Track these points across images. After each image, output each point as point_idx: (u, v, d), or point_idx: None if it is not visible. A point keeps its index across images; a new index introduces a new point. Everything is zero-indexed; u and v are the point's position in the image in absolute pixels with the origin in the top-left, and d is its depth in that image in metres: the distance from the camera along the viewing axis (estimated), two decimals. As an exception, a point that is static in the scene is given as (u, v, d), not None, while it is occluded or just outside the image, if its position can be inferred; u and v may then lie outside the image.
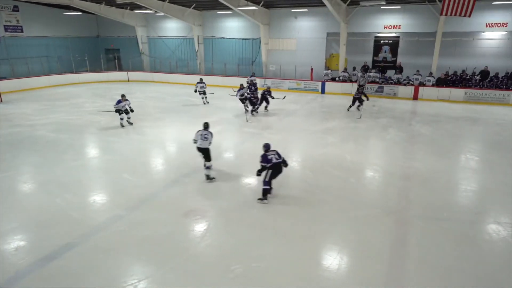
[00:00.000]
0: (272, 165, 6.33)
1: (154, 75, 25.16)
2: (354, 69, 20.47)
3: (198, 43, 24.91)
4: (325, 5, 17.65)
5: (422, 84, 18.27)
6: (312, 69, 21.05)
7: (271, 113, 14.11)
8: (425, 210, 6.34)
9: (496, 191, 7.23)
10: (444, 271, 4.63)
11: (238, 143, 10.42)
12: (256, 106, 13.95)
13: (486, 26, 17.78)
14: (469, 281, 4.46)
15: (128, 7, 23.92)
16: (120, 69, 26.24)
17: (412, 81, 18.63)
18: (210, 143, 7.41)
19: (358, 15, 20.20)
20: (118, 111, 11.58)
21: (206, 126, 7.54)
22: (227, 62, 23.85)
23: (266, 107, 14.49)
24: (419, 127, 12.37)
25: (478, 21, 17.61)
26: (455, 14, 15.03)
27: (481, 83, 17.69)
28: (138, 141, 10.34)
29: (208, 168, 7.45)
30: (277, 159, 6.42)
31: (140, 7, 22.60)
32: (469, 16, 15.00)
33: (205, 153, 7.38)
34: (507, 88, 16.99)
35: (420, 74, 18.56)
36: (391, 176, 7.90)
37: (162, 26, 26.27)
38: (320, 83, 20.27)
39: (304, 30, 22.05)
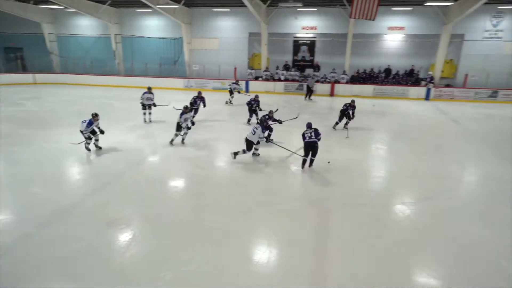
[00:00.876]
0: (305, 142, 7.89)
1: (68, 76, 23.08)
2: (277, 68, 21.25)
3: (115, 42, 23.51)
4: (246, 6, 18.00)
5: (337, 81, 19.70)
6: (235, 69, 21.33)
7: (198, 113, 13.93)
8: (344, 198, 6.87)
9: (400, 175, 8.14)
10: (362, 250, 5.08)
11: (163, 145, 10.11)
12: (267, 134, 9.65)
13: (388, 29, 19.91)
14: (382, 257, 4.95)
15: (32, 1, 21.55)
16: (25, 70, 23.55)
17: (329, 79, 19.99)
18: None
19: (278, 16, 21.02)
20: (89, 136, 8.88)
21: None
22: (148, 62, 22.94)
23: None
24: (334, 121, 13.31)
25: (381, 24, 19.64)
26: (362, 17, 16.49)
27: (385, 80, 19.73)
28: (49, 150, 9.39)
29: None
30: (309, 137, 7.82)
31: (46, 2, 20.56)
32: (374, 20, 16.57)
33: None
34: (406, 84, 19.23)
35: (335, 72, 20.02)
36: (313, 169, 8.38)
37: (74, 23, 24.26)
38: (244, 82, 20.63)
39: (226, 30, 22.24)
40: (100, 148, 9.22)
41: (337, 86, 19.58)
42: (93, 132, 8.96)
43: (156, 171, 8.09)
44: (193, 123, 9.85)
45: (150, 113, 12.53)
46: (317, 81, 19.77)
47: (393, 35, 20.29)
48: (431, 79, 18.88)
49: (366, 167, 8.71)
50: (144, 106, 12.38)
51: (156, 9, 19.45)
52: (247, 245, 5.23)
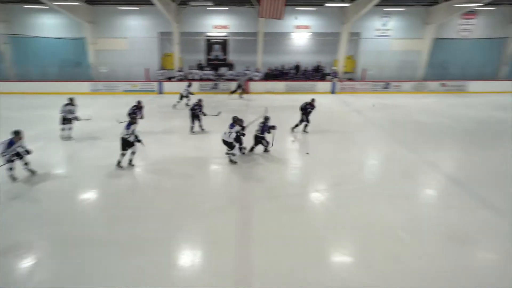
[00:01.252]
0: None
1: None
2: (190, 67, 20.95)
3: (2, 43, 20.66)
4: (154, 4, 17.33)
5: (251, 79, 20.23)
6: (147, 70, 20.46)
7: (106, 118, 13.00)
8: (264, 192, 7.11)
9: (314, 165, 8.73)
10: (283, 238, 5.34)
11: (65, 157, 9.24)
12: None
13: (295, 28, 21.10)
14: (301, 242, 5.27)
15: None
16: None
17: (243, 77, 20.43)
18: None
19: (189, 15, 20.71)
20: (10, 159, 7.24)
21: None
22: (46, 65, 20.67)
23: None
24: (252, 118, 13.68)
25: (289, 23, 20.71)
26: (270, 17, 17.16)
27: (296, 76, 20.92)
28: None
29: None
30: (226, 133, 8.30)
31: None
32: (281, 19, 17.37)
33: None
34: (314, 79, 20.66)
35: (249, 70, 20.51)
36: (233, 166, 8.50)
37: None
38: (157, 84, 19.91)
39: (136, 29, 21.17)
40: (33, 172, 7.69)
41: (252, 83, 20.11)
42: (17, 154, 7.33)
43: (62, 186, 7.37)
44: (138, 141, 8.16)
45: (70, 128, 10.51)
46: (234, 80, 20.04)
47: (300, 34, 21.56)
48: (335, 74, 20.56)
49: (284, 159, 9.14)
50: (64, 120, 10.36)
51: (52, 6, 17.59)
52: (171, 251, 5.11)
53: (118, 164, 8.14)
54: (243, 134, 8.87)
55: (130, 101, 16.87)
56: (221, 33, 21.46)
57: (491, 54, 21.59)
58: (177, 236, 5.49)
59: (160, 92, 19.85)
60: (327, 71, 21.38)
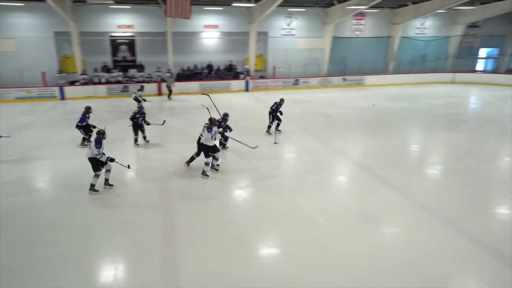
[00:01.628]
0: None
1: None
2: (95, 70, 19.40)
3: None
4: (44, 0, 15.57)
5: (163, 80, 19.61)
6: (43, 73, 18.31)
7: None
8: (186, 194, 6.99)
9: (234, 162, 8.87)
10: (210, 239, 5.33)
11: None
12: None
13: (204, 27, 21.04)
14: (228, 240, 5.33)
15: None
16: None
17: (155, 78, 19.67)
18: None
19: (89, 13, 19.11)
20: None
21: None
22: None
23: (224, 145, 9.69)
24: (169, 121, 13.31)
25: (198, 23, 20.57)
26: (177, 16, 16.82)
27: (209, 75, 20.92)
28: None
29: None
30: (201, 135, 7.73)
31: None
32: (189, 18, 17.15)
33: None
34: (228, 78, 20.94)
35: (160, 71, 19.83)
36: (150, 171, 8.17)
37: None
38: (57, 89, 18.01)
39: (24, 29, 18.74)
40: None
41: (163, 85, 19.48)
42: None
43: None
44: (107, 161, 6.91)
45: None
46: (144, 81, 19.14)
47: (209, 33, 21.57)
48: (248, 72, 21.12)
49: (201, 161, 9.08)
50: None
51: None
52: (90, 269, 4.71)
53: (92, 188, 6.87)
54: (230, 129, 9.03)
55: (27, 109, 15.04)
56: (127, 33, 20.30)
57: (380, 51, 24.45)
58: (98, 251, 5.09)
59: (62, 98, 17.98)
60: (240, 69, 21.82)
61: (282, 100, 11.47)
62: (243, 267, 4.73)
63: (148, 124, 10.07)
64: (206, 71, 21.16)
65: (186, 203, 6.64)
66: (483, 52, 25.68)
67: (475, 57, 25.41)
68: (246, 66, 21.64)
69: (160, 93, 19.30)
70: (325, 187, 7.44)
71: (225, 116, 9.14)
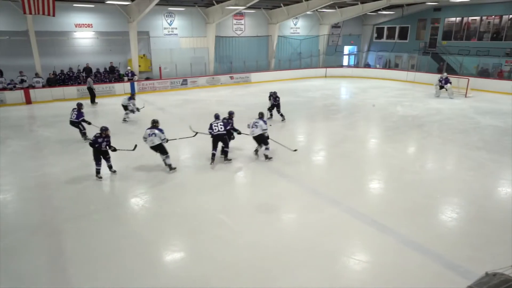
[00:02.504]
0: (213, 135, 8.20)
1: None
2: None
3: None
4: None
5: (32, 86, 17.09)
6: None
7: None
8: (75, 210, 6.29)
9: (127, 169, 8.33)
10: (107, 256, 4.93)
11: None
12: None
13: (76, 26, 18.98)
14: (127, 253, 5.02)
15: None
16: None
17: (19, 85, 16.97)
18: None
19: None
20: None
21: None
22: None
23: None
24: (43, 131, 11.74)
25: (67, 21, 18.42)
26: (39, 13, 14.77)
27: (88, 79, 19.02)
28: None
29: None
30: (219, 130, 8.16)
31: None
32: (54, 15, 15.22)
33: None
34: (110, 81, 19.42)
35: (25, 75, 17.18)
36: (28, 191, 7.09)
37: None
38: None
39: None
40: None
41: (32, 91, 16.94)
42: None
43: None
44: None
45: None
46: (4, 88, 16.32)
47: (83, 33, 19.57)
48: (132, 74, 19.91)
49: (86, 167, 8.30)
50: None
51: None
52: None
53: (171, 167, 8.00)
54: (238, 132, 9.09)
55: None
56: (-26, 32, 16.95)
57: (262, 49, 25.90)
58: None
59: None
60: (122, 71, 20.44)
61: (275, 93, 12.97)
62: (147, 277, 4.53)
63: (114, 150, 7.89)
64: (84, 74, 19.16)
65: (74, 221, 5.98)
66: (346, 49, 29.52)
67: (340, 53, 29.04)
68: (129, 68, 20.35)
69: (29, 101, 16.74)
70: (224, 184, 7.60)
71: (231, 115, 9.31)
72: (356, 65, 28.76)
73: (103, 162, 7.69)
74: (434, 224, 5.95)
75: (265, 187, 7.34)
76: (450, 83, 17.06)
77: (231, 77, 23.25)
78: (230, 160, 8.67)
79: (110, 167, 7.90)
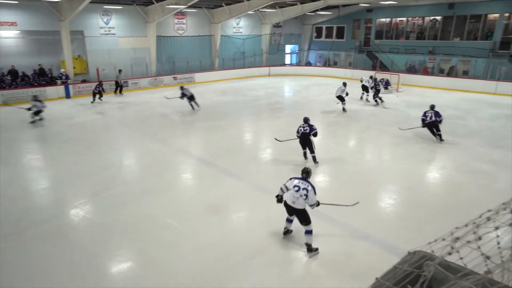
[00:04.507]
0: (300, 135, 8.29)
1: None
2: None
3: None
4: None
5: None
6: None
7: None
8: (7, 228, 5.72)
9: (66, 179, 7.78)
10: (46, 274, 4.56)
11: None
12: None
13: (-3, 25, 17.24)
14: (69, 269, 4.70)
15: None
16: None
17: None
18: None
19: None
20: None
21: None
22: None
23: None
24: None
25: (-15, 19, 16.65)
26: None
27: (14, 83, 17.43)
28: None
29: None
30: (305, 130, 8.16)
31: None
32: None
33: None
34: (41, 85, 17.95)
35: None
36: None
37: None
38: None
39: None
40: None
41: None
42: None
43: None
44: None
45: None
46: None
47: (6, 32, 17.80)
48: (66, 77, 18.58)
49: (29, 182, 7.61)
50: None
51: None
52: None
53: None
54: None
55: None
56: None
57: (205, 49, 25.64)
58: None
59: None
60: (55, 74, 18.97)
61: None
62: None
63: None
64: (9, 78, 17.44)
65: (7, 238, 5.44)
66: (288, 48, 30.30)
67: (283, 52, 29.74)
68: (62, 70, 18.93)
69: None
70: (171, 187, 7.42)
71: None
72: (298, 64, 29.66)
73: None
74: (374, 211, 6.36)
75: (213, 188, 7.30)
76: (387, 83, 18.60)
77: (175, 78, 22.74)
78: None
79: None
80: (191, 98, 14.52)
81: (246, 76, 25.44)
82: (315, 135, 8.35)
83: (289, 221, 5.33)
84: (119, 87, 19.36)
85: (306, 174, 5.19)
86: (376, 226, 5.75)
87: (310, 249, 5.00)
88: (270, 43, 28.44)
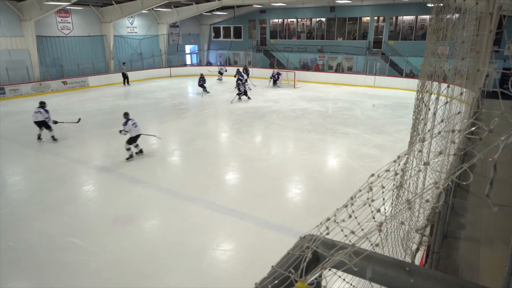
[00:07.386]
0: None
1: None
2: None
3: None
4: None
5: None
6: None
7: None
8: None
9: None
10: None
11: None
12: None
13: None
14: None
15: None
16: None
17: None
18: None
19: None
20: None
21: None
22: None
23: None
24: None
25: None
26: None
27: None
28: None
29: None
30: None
31: None
32: None
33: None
34: None
35: None
36: None
37: None
38: None
39: None
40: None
41: None
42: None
43: None
44: None
45: None
46: None
47: None
48: None
49: None
50: None
51: None
52: None
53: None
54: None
55: None
56: None
57: (98, 50, 23.62)
58: None
59: None
60: None
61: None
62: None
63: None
64: None
65: None
66: (187, 48, 29.91)
67: (183, 53, 29.24)
68: None
69: None
70: (70, 202, 6.75)
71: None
72: (199, 64, 29.56)
73: None
74: (283, 202, 6.79)
75: (119, 198, 6.87)
76: (281, 74, 20.03)
77: (64, 83, 20.52)
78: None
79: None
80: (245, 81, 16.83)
81: (146, 78, 24.44)
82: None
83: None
84: (125, 79, 21.32)
85: None
86: (286, 216, 6.15)
87: None
88: (169, 44, 27.72)
